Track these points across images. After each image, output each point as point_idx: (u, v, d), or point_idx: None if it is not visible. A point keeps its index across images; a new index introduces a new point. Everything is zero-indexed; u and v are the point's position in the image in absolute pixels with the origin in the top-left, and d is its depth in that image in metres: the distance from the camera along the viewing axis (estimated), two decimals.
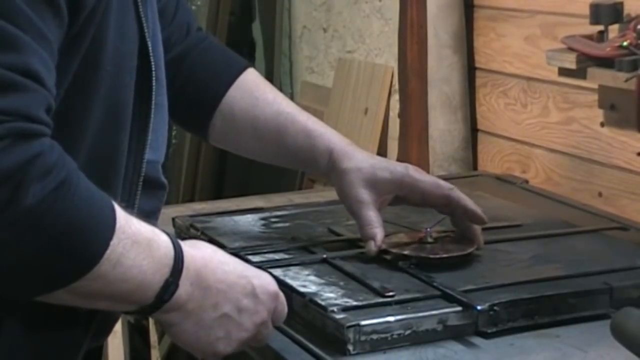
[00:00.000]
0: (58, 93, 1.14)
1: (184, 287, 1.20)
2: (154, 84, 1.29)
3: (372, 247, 1.57)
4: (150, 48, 1.28)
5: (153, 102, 1.29)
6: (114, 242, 1.13)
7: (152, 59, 1.28)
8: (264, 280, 1.29)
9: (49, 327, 1.23)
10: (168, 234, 1.21)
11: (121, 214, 1.15)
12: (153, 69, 1.29)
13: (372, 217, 1.57)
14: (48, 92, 1.10)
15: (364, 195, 1.58)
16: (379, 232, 1.57)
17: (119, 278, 1.14)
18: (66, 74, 1.17)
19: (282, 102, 1.65)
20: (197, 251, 1.24)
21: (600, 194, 2.11)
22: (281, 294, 1.32)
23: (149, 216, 1.32)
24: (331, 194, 2.15)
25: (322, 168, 1.62)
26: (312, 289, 1.49)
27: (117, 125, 1.24)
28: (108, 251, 1.12)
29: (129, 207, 1.25)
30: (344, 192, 1.60)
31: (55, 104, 1.12)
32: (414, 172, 1.60)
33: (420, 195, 1.60)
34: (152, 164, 1.35)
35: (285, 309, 1.33)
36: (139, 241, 1.16)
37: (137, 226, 1.17)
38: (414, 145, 2.48)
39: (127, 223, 1.15)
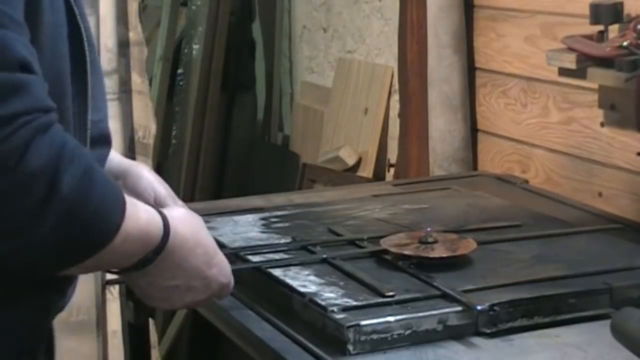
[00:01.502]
0: None
1: (156, 260, 1.28)
2: (86, 47, 1.30)
3: None
4: (76, 11, 1.28)
5: (88, 65, 1.30)
6: (125, 219, 1.20)
7: (79, 21, 1.29)
8: (221, 272, 1.36)
9: (22, 291, 1.26)
10: (162, 214, 1.28)
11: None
12: (83, 31, 1.29)
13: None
14: (39, 75, 1.14)
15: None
16: None
17: (122, 252, 1.22)
18: None
19: None
20: (182, 228, 1.31)
21: (600, 194, 2.11)
22: (230, 286, 1.39)
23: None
24: (331, 194, 2.16)
25: None
26: (312, 289, 1.49)
27: (61, 94, 1.26)
28: (122, 226, 1.19)
29: None
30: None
31: None
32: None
33: None
34: (96, 124, 1.38)
35: (227, 296, 1.42)
36: (139, 220, 1.23)
37: (137, 205, 1.24)
38: (414, 145, 2.48)
39: (130, 201, 1.22)
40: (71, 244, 1.17)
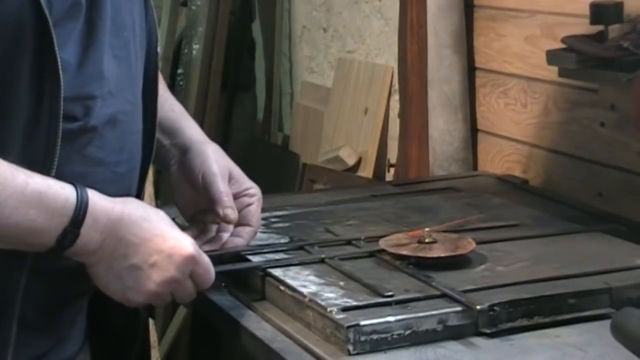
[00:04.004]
0: None
1: (90, 236, 1.29)
2: (54, 36, 1.27)
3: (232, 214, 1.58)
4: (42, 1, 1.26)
5: (58, 55, 1.27)
6: None
7: (45, 10, 1.25)
8: (180, 244, 1.35)
9: None
10: (79, 190, 1.28)
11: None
12: (49, 19, 1.26)
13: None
14: None
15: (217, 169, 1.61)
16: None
17: (2, 223, 1.23)
18: None
19: None
20: (120, 206, 1.32)
21: (600, 194, 2.11)
22: (202, 259, 1.38)
23: None
24: (331, 194, 2.16)
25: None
26: (312, 289, 1.49)
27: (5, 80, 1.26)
28: None
29: (48, 151, 1.29)
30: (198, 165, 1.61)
31: None
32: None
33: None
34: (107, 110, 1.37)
35: (208, 274, 1.39)
36: (24, 192, 1.24)
37: (26, 179, 1.24)
38: (414, 145, 2.48)
39: (11, 176, 1.23)
40: None
